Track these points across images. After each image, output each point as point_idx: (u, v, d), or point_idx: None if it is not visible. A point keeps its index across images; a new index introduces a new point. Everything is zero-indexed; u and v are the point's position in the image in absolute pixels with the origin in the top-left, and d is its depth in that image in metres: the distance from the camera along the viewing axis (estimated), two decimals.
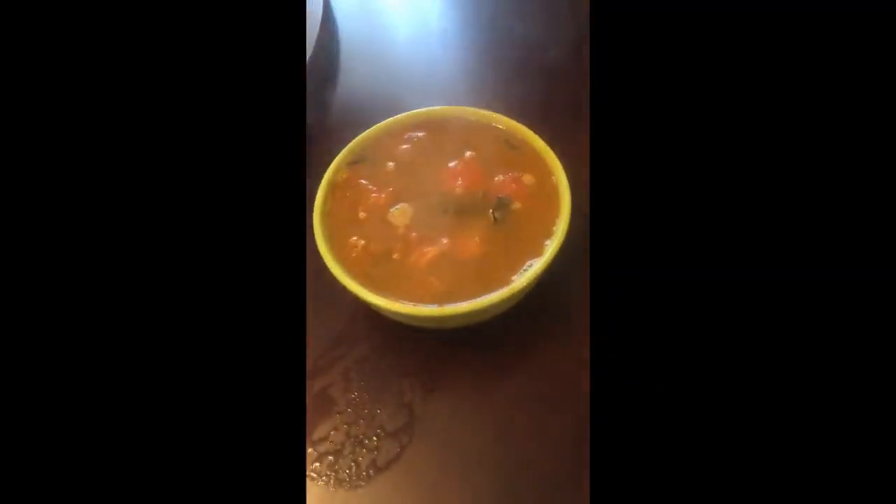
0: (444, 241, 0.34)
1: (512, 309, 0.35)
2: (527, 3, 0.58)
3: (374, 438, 0.34)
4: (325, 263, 0.34)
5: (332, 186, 0.37)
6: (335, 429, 0.35)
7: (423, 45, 0.56)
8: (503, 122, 0.39)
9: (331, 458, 0.34)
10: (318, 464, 0.34)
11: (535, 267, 0.33)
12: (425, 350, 0.37)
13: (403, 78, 0.53)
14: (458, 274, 0.33)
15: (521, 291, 0.32)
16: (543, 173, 0.37)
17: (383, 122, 0.39)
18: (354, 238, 0.35)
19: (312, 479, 0.33)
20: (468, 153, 0.38)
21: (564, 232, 0.33)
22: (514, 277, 0.33)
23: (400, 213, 0.35)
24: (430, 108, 0.40)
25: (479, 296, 0.32)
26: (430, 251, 0.34)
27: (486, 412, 0.35)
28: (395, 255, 0.34)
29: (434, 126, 0.40)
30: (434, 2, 0.61)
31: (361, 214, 0.36)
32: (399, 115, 0.40)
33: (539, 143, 0.37)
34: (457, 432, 0.34)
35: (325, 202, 0.36)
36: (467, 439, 0.34)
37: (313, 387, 0.36)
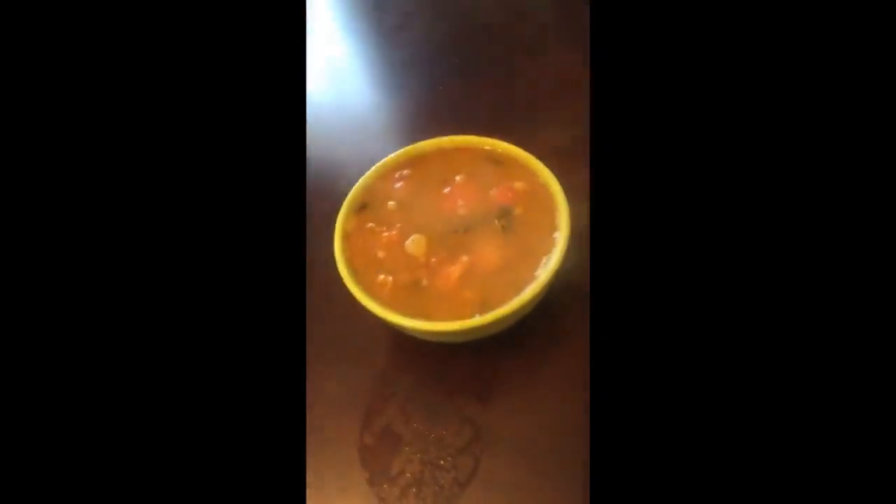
0: (464, 258, 0.37)
1: (537, 306, 0.38)
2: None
3: (449, 458, 0.36)
4: (359, 310, 0.35)
5: (346, 235, 0.38)
6: (409, 461, 0.36)
7: (367, 96, 0.60)
8: (479, 141, 0.42)
9: (414, 489, 0.35)
10: (404, 499, 0.35)
11: (554, 258, 0.35)
12: (468, 365, 0.39)
13: (360, 133, 0.56)
14: (487, 284, 0.36)
15: (549, 282, 0.35)
16: (530, 176, 0.40)
17: (371, 169, 0.42)
18: (381, 276, 0.37)
19: None
20: (458, 177, 0.41)
21: (568, 221, 0.37)
22: (537, 273, 0.36)
23: (415, 244, 0.38)
24: (410, 145, 0.43)
25: (512, 298, 0.34)
26: (455, 270, 0.36)
27: (544, 406, 0.37)
28: (424, 282, 0.36)
29: (418, 161, 0.42)
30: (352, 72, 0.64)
31: (380, 254, 0.38)
32: (383, 160, 0.42)
33: (518, 152, 0.41)
34: (524, 431, 0.36)
35: (343, 251, 0.38)
36: (536, 435, 0.36)
37: (375, 427, 0.37)
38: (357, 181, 0.41)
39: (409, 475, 0.36)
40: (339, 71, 0.63)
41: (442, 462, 0.36)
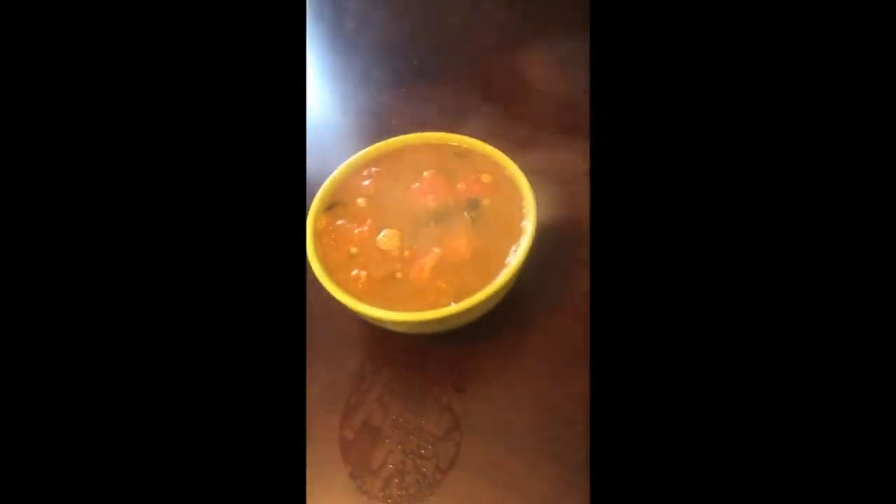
0: (436, 250, 0.37)
1: (508, 293, 0.39)
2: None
3: (430, 447, 0.36)
4: (334, 308, 0.36)
5: (317, 234, 0.39)
6: (390, 452, 0.36)
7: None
8: (445, 137, 0.43)
9: (396, 479, 0.36)
10: (387, 489, 0.35)
11: (522, 246, 0.37)
12: (444, 355, 0.40)
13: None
14: (459, 274, 0.37)
15: (519, 269, 0.36)
16: (495, 169, 0.41)
17: (339, 168, 0.42)
18: (355, 272, 0.37)
19: (389, 503, 0.35)
20: (426, 172, 0.42)
21: (535, 210, 0.38)
22: (507, 260, 0.37)
23: (388, 239, 0.38)
24: (376, 144, 0.44)
25: (485, 285, 0.35)
26: (428, 262, 0.37)
27: (519, 390, 0.38)
28: (399, 275, 0.37)
29: (385, 158, 0.43)
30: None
31: (353, 250, 0.38)
32: (351, 158, 0.43)
33: (484, 146, 0.42)
34: (502, 414, 0.37)
35: (315, 249, 0.38)
36: (514, 418, 0.37)
37: (355, 422, 0.38)
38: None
39: (391, 466, 0.36)
40: None
41: (423, 451, 0.36)
